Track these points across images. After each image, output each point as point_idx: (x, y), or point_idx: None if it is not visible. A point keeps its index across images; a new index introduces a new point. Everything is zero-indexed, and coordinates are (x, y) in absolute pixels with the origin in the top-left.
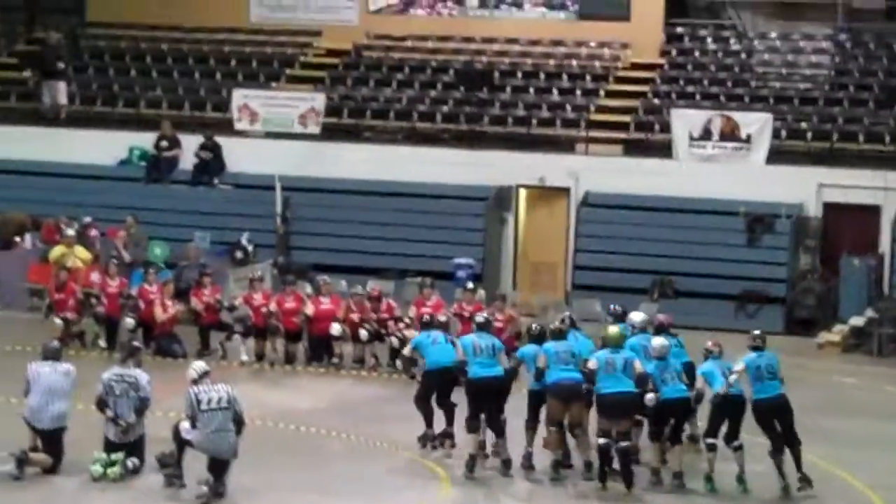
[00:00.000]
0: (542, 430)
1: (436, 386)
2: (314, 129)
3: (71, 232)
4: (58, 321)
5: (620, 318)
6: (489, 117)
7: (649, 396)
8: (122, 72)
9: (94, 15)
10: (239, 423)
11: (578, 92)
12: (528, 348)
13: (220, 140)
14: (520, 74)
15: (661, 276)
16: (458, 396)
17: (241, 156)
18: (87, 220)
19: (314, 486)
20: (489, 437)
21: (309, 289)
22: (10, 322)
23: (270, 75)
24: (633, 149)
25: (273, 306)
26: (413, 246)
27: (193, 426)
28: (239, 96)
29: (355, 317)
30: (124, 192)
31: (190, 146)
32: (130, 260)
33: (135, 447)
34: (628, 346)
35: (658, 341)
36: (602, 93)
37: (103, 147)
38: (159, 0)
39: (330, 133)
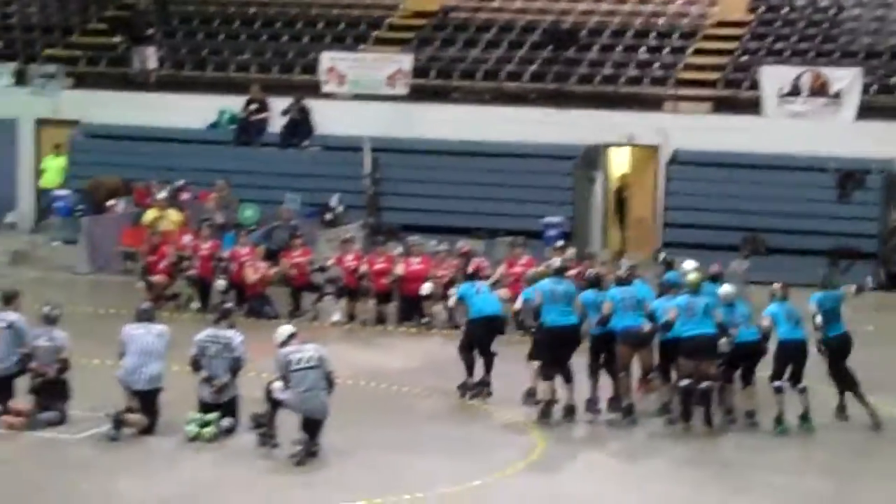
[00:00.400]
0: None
1: (480, 335)
2: (402, 90)
3: (163, 195)
4: (139, 284)
5: (669, 266)
6: (577, 76)
7: (723, 340)
8: (210, 36)
9: None
10: (330, 382)
11: (666, 50)
12: (587, 294)
13: (309, 102)
14: (607, 33)
15: (752, 233)
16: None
17: (329, 118)
18: (179, 183)
19: (405, 444)
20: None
21: (399, 249)
22: (103, 285)
23: (358, 37)
24: (722, 106)
25: (364, 267)
26: (502, 205)
27: (286, 386)
28: (327, 59)
29: (445, 276)
30: (214, 156)
31: (279, 109)
32: (222, 222)
33: (229, 407)
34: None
35: (725, 288)
36: (690, 50)
37: (193, 111)
38: None
39: (418, 94)
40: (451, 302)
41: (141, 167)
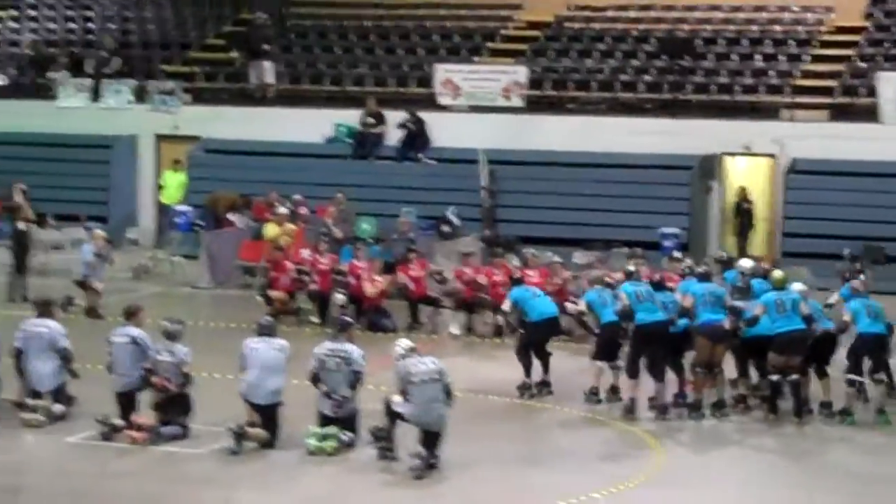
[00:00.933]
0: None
1: (540, 336)
2: (517, 101)
3: (283, 210)
4: (258, 299)
5: (727, 264)
6: (692, 85)
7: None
8: (327, 50)
9: None
10: (449, 395)
11: (782, 57)
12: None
13: (424, 115)
14: (722, 41)
15: (871, 242)
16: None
17: (445, 130)
18: (297, 197)
19: (525, 457)
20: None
21: (516, 261)
22: (223, 299)
23: (473, 49)
24: (839, 113)
25: (482, 279)
26: (618, 216)
27: (404, 399)
28: (441, 71)
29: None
30: (331, 169)
31: (395, 122)
32: (341, 236)
33: (348, 421)
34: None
35: (798, 285)
36: (806, 57)
37: (310, 125)
38: None
39: (533, 105)
40: (506, 306)
41: (259, 182)
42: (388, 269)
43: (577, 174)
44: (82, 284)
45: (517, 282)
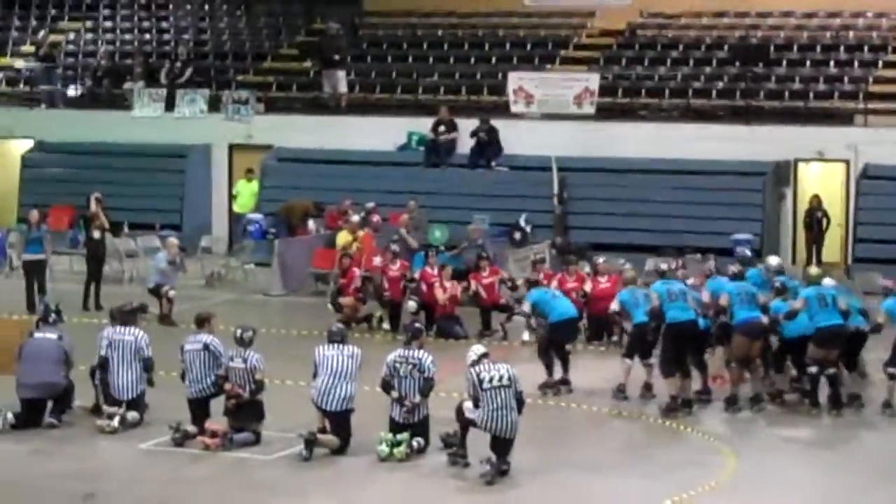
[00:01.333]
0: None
1: (562, 336)
2: (589, 109)
3: (355, 217)
4: (329, 307)
5: (749, 262)
6: (765, 92)
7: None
8: (399, 59)
9: (372, 4)
10: (520, 401)
11: (856, 63)
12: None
13: (497, 123)
14: (796, 48)
15: None
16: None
17: (517, 138)
18: (371, 205)
19: (595, 464)
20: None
21: (587, 268)
22: (295, 307)
23: (545, 57)
24: None
25: (554, 286)
26: (691, 223)
27: (476, 406)
28: (514, 79)
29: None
30: (404, 177)
31: (467, 130)
32: (413, 243)
33: (420, 427)
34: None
35: (829, 280)
36: (881, 63)
37: (383, 133)
38: None
39: (605, 113)
40: (526, 308)
41: (331, 190)
42: (460, 276)
43: (650, 181)
44: (156, 292)
45: (534, 284)
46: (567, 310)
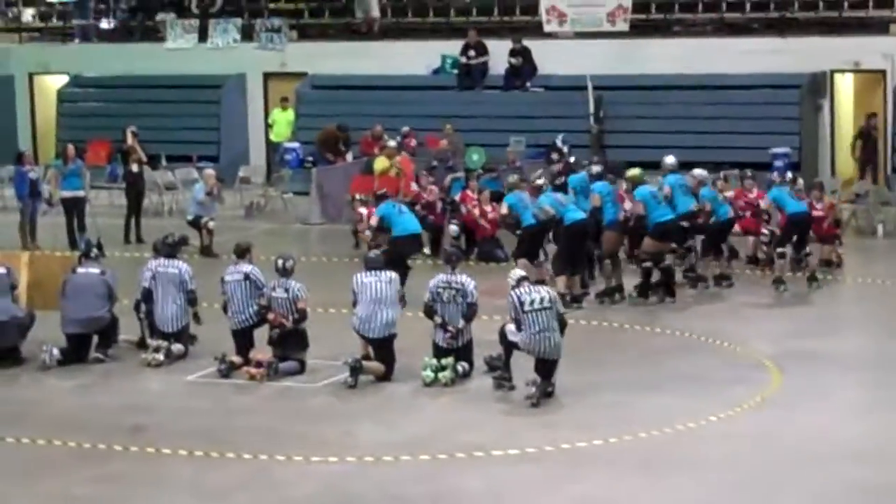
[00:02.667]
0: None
1: (404, 251)
2: (623, 26)
3: (393, 143)
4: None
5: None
6: (799, 3)
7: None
8: None
9: None
10: (562, 323)
11: None
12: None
13: (530, 43)
14: None
15: None
16: None
17: (551, 58)
18: (406, 129)
19: (643, 383)
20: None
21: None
22: (334, 234)
23: None
24: None
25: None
26: (728, 138)
27: (518, 328)
28: None
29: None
30: (439, 101)
31: (500, 51)
32: (452, 166)
33: (464, 352)
34: (671, 182)
35: (698, 172)
36: None
37: (416, 57)
38: None
39: (639, 29)
40: (374, 221)
41: (367, 116)
42: (499, 198)
43: (685, 97)
44: (195, 224)
45: (383, 197)
46: (409, 225)
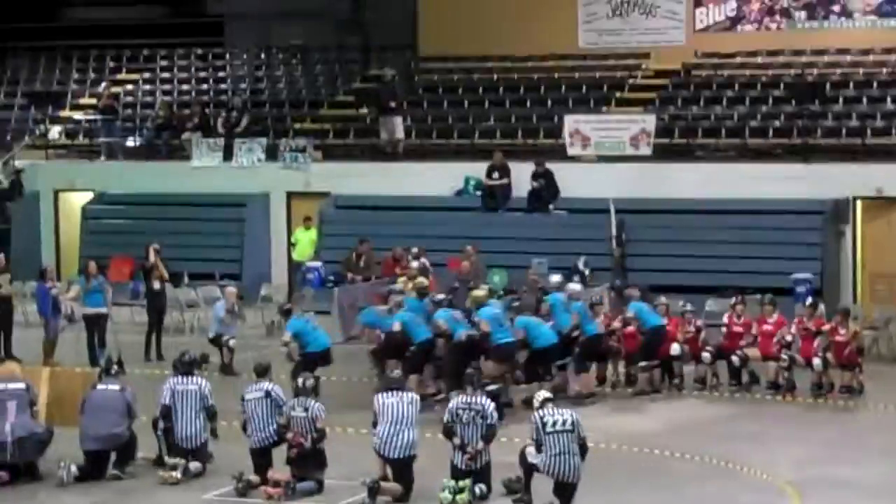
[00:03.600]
0: None
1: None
2: (646, 150)
3: (415, 264)
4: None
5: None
6: (822, 130)
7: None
8: (455, 104)
9: (427, 50)
10: (583, 447)
11: None
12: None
13: (553, 166)
14: (852, 85)
15: None
16: None
17: (574, 180)
18: (415, 250)
19: None
20: None
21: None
22: (356, 354)
23: (600, 99)
24: None
25: (616, 328)
26: (750, 263)
27: (538, 450)
28: (570, 122)
29: (697, 337)
30: (462, 222)
31: (523, 174)
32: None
33: (482, 474)
34: (553, 301)
35: (575, 286)
36: None
37: (440, 178)
38: (490, 32)
39: (662, 154)
40: (286, 336)
41: (390, 237)
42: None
43: (708, 221)
44: (216, 342)
45: (288, 312)
46: (322, 340)
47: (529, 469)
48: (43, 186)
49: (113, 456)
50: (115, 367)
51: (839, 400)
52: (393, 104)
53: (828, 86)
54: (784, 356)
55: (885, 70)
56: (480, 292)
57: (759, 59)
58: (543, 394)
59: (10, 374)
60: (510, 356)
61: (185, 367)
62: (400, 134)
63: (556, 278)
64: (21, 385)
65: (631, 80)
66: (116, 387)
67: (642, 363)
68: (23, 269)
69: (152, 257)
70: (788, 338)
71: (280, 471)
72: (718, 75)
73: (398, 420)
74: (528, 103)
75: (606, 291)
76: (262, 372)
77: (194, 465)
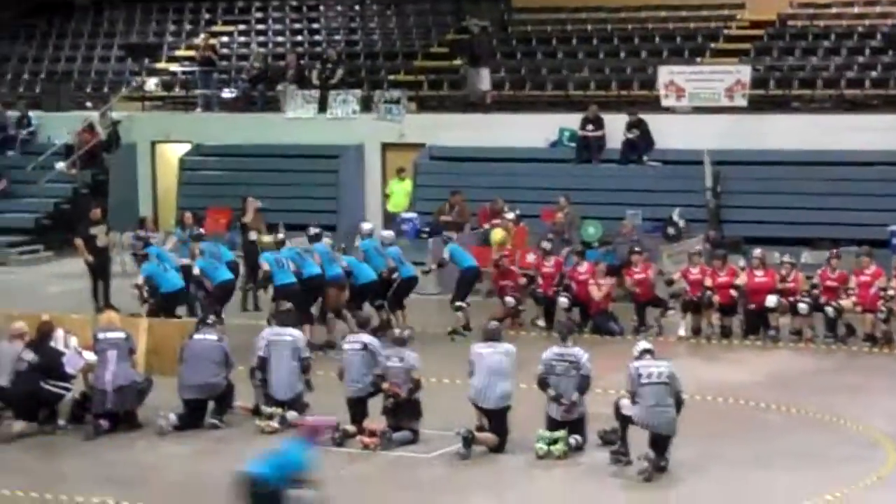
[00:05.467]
0: None
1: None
2: (741, 101)
3: (511, 215)
4: (508, 301)
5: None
6: None
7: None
8: (549, 55)
9: (521, 1)
10: (678, 401)
11: None
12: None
13: (648, 117)
14: None
15: None
16: None
17: (668, 132)
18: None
19: (757, 459)
20: None
21: (742, 262)
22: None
23: (695, 50)
24: None
25: (708, 280)
26: (846, 215)
27: (633, 401)
28: (665, 73)
29: (792, 287)
30: (556, 174)
31: (617, 125)
32: (568, 238)
33: (577, 425)
34: (364, 247)
35: (388, 233)
36: None
37: (534, 130)
38: None
39: (757, 105)
40: (140, 280)
41: (484, 188)
42: (614, 271)
43: (803, 173)
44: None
45: (144, 257)
46: (175, 281)
47: (625, 421)
48: (140, 138)
49: (211, 405)
50: (213, 316)
51: None
52: (478, 55)
53: None
54: (881, 308)
55: None
56: (267, 238)
57: (856, 9)
58: (643, 344)
59: (110, 324)
60: (289, 296)
61: (281, 317)
62: (485, 86)
63: (367, 226)
64: (121, 334)
65: (726, 31)
66: (214, 337)
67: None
68: (120, 220)
69: (251, 214)
70: (888, 291)
71: (376, 420)
72: (814, 25)
73: (493, 370)
74: (622, 54)
75: (701, 243)
76: (363, 324)
77: (291, 415)
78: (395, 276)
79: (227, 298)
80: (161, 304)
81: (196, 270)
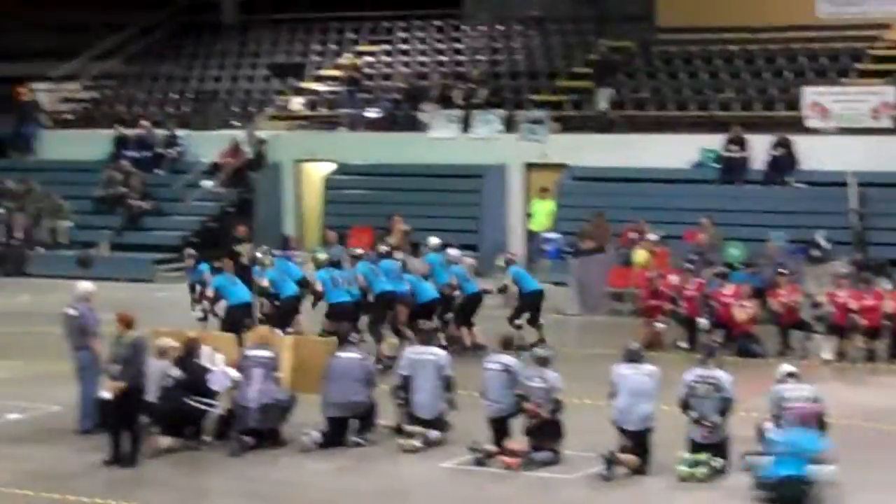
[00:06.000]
0: None
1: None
2: (886, 122)
3: (653, 236)
4: (659, 325)
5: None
6: None
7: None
8: (692, 75)
9: (664, 20)
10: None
11: None
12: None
13: (792, 138)
14: None
15: None
16: None
17: (813, 153)
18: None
19: None
20: None
21: (888, 285)
22: (592, 326)
23: (840, 70)
24: None
25: (853, 304)
26: None
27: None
28: (809, 93)
29: None
30: (698, 195)
31: (761, 146)
32: (710, 260)
33: (719, 447)
34: (430, 260)
35: (454, 251)
36: None
37: (676, 151)
38: (726, 2)
39: None
40: (210, 293)
41: (626, 209)
42: (758, 293)
43: None
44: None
45: (218, 270)
46: (243, 294)
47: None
48: (285, 157)
49: (354, 423)
50: (356, 335)
51: None
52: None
53: None
54: None
55: None
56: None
57: None
58: (787, 367)
59: (261, 341)
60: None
61: (425, 336)
62: (603, 105)
63: (434, 241)
64: (269, 353)
65: (870, 51)
66: (357, 355)
67: None
68: (265, 239)
69: (397, 237)
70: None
71: (518, 441)
72: None
73: (636, 392)
74: (766, 74)
75: (846, 265)
76: (507, 344)
77: (434, 434)
78: (456, 293)
79: (293, 314)
80: (228, 315)
81: (265, 282)
